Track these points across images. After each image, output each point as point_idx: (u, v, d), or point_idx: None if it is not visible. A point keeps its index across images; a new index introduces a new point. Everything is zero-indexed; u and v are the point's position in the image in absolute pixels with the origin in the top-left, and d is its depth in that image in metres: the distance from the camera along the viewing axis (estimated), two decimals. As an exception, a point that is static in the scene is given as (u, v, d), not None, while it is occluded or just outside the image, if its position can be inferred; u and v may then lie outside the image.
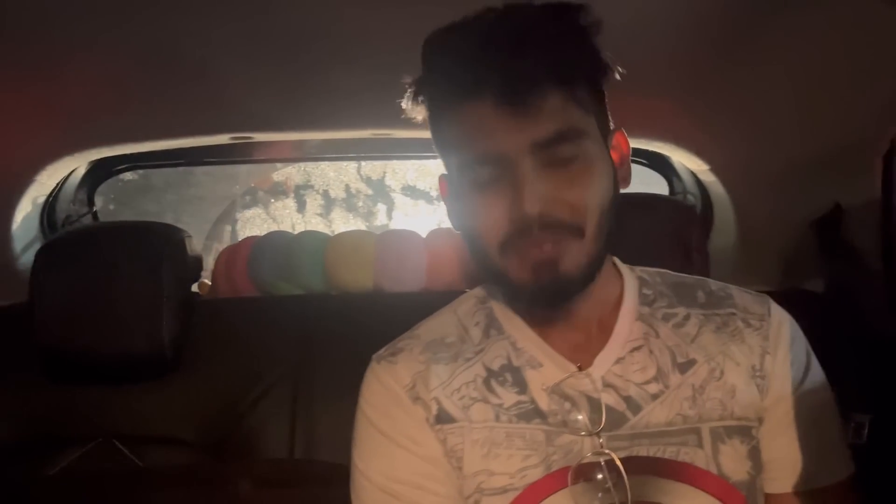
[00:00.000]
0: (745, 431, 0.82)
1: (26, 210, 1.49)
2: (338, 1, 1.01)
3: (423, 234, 1.66)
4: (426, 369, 0.85)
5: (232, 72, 1.20)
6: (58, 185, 1.57)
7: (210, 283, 1.76)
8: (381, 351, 0.90)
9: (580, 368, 0.82)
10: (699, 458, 0.79)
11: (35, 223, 1.56)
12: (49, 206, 1.59)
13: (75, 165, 1.56)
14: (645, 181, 1.86)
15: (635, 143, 1.54)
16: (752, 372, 0.83)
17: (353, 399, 0.88)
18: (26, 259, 1.50)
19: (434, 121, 0.82)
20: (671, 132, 1.45)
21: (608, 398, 0.81)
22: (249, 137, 1.49)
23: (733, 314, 0.87)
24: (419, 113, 0.83)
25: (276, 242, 1.67)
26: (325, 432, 1.27)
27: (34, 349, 1.23)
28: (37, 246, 1.51)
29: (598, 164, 0.77)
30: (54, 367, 1.26)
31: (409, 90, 0.81)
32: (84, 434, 1.26)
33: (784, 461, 0.83)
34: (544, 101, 0.72)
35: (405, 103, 0.83)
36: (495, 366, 0.84)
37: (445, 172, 0.86)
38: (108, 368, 1.25)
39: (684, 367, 0.83)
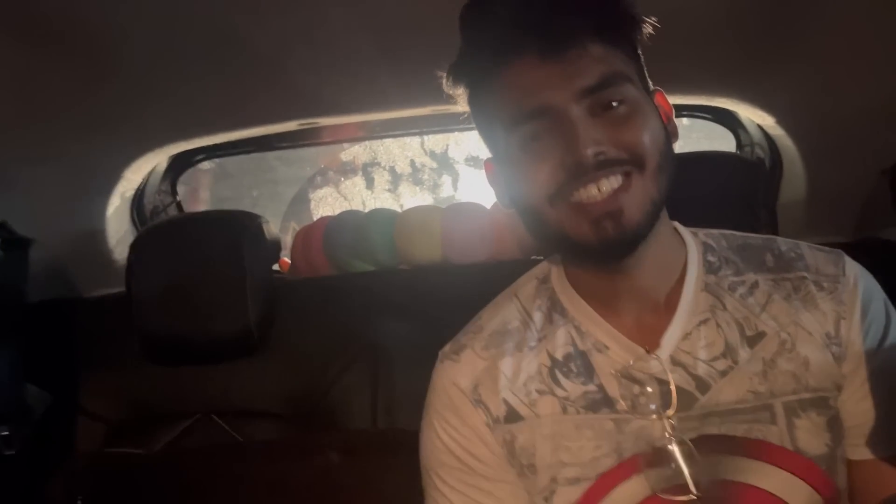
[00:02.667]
0: (822, 403, 0.78)
1: (116, 204, 1.59)
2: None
3: (488, 204, 1.69)
4: (492, 366, 0.85)
5: (297, 62, 1.24)
6: (143, 179, 1.67)
7: (290, 262, 1.84)
8: (447, 347, 0.90)
9: (647, 351, 0.80)
10: (772, 434, 0.77)
11: (126, 216, 1.66)
12: (137, 200, 1.69)
13: (157, 160, 1.65)
14: (710, 136, 1.84)
15: (699, 100, 1.52)
16: (826, 340, 0.79)
17: (428, 367, 0.91)
18: (120, 251, 1.61)
19: (476, 94, 0.82)
20: (736, 86, 1.42)
21: (677, 378, 0.78)
22: (316, 122, 1.55)
23: (804, 278, 0.82)
24: (460, 94, 0.83)
25: (347, 222, 1.73)
26: (404, 401, 1.32)
27: (134, 334, 1.33)
28: (129, 237, 1.62)
29: (645, 108, 0.76)
30: (152, 350, 1.35)
31: (448, 73, 0.82)
32: (184, 411, 1.36)
33: (868, 427, 0.80)
34: (586, 51, 0.73)
35: (446, 86, 0.83)
36: (559, 354, 0.83)
37: (490, 156, 0.86)
38: (201, 349, 1.33)
39: (753, 340, 0.79)
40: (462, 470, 0.85)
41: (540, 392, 0.82)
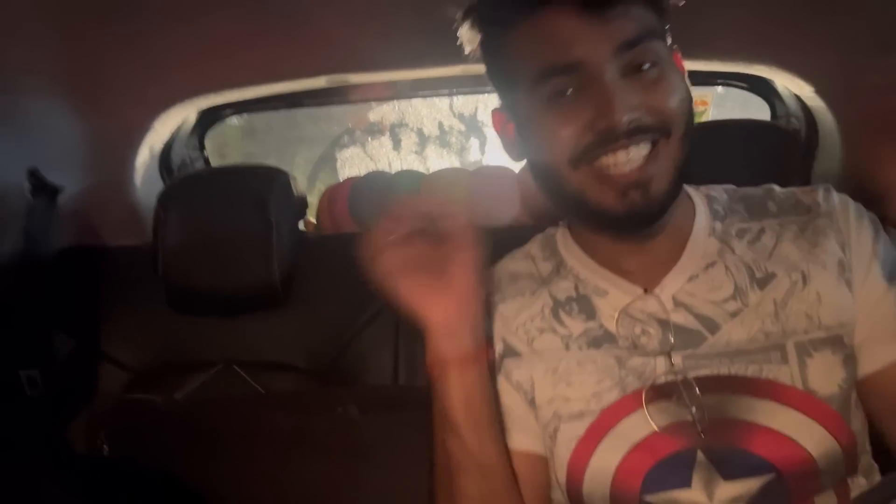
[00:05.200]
0: (836, 341, 0.78)
1: (145, 157, 1.59)
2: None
3: (516, 168, 1.67)
4: (492, 310, 0.86)
5: (330, 15, 1.23)
6: (172, 133, 1.67)
7: (315, 222, 1.85)
8: None
9: (646, 291, 0.81)
10: (783, 374, 0.76)
11: (154, 169, 1.67)
12: (165, 153, 1.69)
13: (186, 113, 1.65)
14: (745, 105, 1.79)
15: (735, 67, 1.48)
16: (840, 269, 0.79)
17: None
18: (148, 203, 1.61)
19: (496, 39, 0.78)
20: (774, 53, 1.38)
21: (679, 318, 0.79)
22: (345, 80, 1.53)
23: (807, 215, 0.83)
24: (472, 39, 0.80)
25: (374, 182, 1.73)
26: (425, 358, 1.32)
27: (160, 285, 1.34)
28: (156, 190, 1.62)
29: (673, 69, 0.75)
30: (178, 301, 1.37)
31: (467, 12, 0.79)
32: (206, 361, 1.38)
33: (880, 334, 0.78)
34: (629, 8, 0.71)
35: (460, 30, 0.80)
36: (561, 296, 0.84)
37: (499, 106, 0.84)
38: (225, 301, 1.35)
39: (763, 282, 0.79)
40: None
41: (540, 330, 0.84)
